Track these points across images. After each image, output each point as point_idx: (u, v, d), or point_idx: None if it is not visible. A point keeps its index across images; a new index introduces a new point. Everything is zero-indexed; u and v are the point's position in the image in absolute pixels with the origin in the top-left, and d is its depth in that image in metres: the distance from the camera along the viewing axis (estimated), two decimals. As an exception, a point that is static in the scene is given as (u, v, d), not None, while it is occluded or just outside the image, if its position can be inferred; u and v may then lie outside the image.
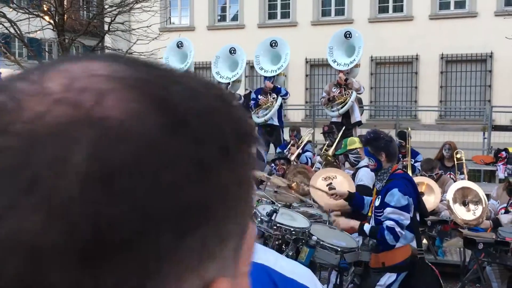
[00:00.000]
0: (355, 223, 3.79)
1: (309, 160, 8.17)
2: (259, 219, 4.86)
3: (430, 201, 5.97)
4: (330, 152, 7.15)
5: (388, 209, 3.59)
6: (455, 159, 7.58)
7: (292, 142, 8.41)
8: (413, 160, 7.64)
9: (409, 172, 7.00)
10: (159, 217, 0.29)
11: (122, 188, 0.28)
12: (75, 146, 0.28)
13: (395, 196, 3.57)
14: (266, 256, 0.95)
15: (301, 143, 8.21)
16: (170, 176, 0.29)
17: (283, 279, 0.93)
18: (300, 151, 8.09)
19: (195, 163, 0.31)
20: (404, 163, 7.23)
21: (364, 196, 4.23)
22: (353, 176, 5.34)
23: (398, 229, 3.54)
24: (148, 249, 0.28)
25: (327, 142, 7.80)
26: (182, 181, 0.30)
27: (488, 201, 5.58)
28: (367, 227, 3.70)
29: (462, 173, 7.46)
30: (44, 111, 0.28)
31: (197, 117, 0.32)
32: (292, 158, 7.71)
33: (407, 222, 3.60)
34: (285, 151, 8.11)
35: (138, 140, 0.29)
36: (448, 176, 7.20)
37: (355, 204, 4.23)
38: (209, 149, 0.32)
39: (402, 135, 8.02)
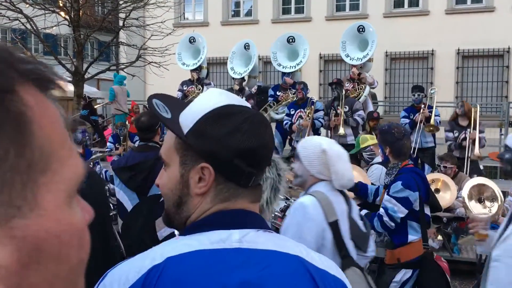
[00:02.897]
0: None
1: (322, 123, 8.42)
2: (273, 215, 4.85)
3: (446, 198, 5.89)
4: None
5: (385, 197, 3.64)
6: (472, 115, 7.69)
7: (299, 95, 8.54)
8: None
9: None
10: None
11: None
12: None
13: (396, 188, 3.59)
14: (298, 248, 1.02)
15: (309, 113, 8.41)
16: None
17: (317, 270, 0.99)
18: (312, 121, 8.30)
19: None
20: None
21: (368, 185, 4.23)
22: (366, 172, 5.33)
23: (386, 218, 3.55)
24: None
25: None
26: None
27: (506, 198, 5.50)
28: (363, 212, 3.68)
29: (480, 131, 7.69)
30: None
31: None
32: (308, 131, 7.96)
33: (400, 215, 3.56)
34: (297, 121, 8.34)
35: None
36: (464, 173, 7.11)
37: (362, 193, 4.17)
38: None
39: (420, 88, 8.33)
